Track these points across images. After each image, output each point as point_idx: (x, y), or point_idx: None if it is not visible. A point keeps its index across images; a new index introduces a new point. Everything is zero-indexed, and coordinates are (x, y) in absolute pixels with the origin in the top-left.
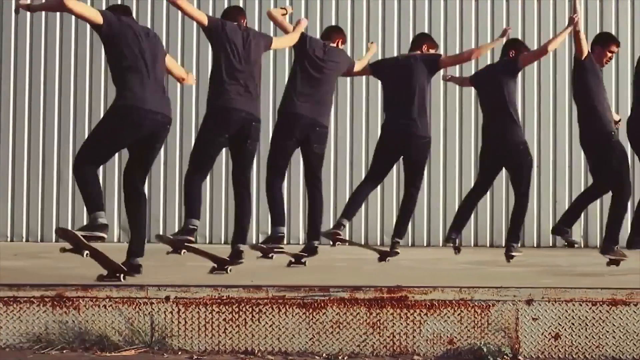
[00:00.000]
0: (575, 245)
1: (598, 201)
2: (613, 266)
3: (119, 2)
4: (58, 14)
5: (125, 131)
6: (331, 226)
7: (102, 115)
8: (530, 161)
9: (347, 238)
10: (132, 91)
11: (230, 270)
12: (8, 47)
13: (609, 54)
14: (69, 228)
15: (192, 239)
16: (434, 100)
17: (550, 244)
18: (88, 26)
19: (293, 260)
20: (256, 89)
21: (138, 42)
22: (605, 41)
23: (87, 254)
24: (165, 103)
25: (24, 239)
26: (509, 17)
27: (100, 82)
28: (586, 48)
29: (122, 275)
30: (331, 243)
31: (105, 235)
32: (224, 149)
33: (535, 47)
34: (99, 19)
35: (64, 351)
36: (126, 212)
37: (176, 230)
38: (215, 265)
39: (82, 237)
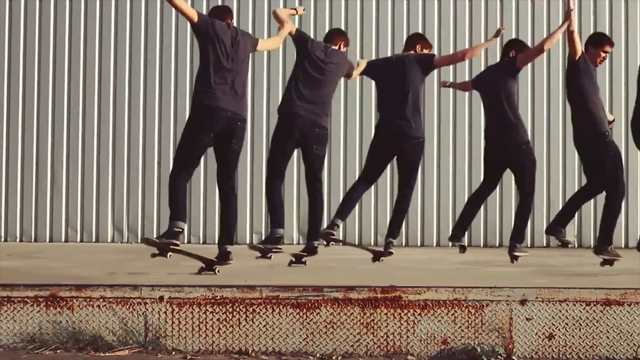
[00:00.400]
0: (569, 246)
1: (592, 201)
2: (607, 266)
3: None
4: (52, 19)
5: (200, 129)
6: (326, 226)
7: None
8: (534, 161)
9: (341, 238)
10: (207, 90)
11: (218, 271)
12: (2, 48)
13: (603, 54)
14: (150, 237)
15: (178, 242)
16: (428, 100)
17: (544, 244)
18: (82, 28)
19: (294, 259)
20: (243, 89)
21: (222, 45)
22: (598, 41)
23: (170, 255)
24: (237, 103)
25: (17, 239)
26: (503, 17)
27: (94, 83)
28: (580, 48)
29: (216, 269)
30: (325, 243)
31: (178, 242)
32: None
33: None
34: (194, 17)
35: (58, 351)
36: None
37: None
38: (204, 266)
39: (161, 244)
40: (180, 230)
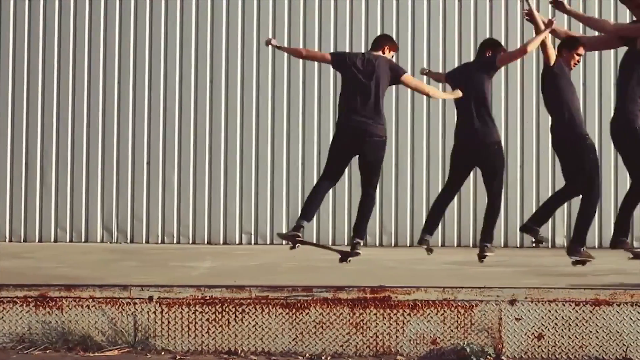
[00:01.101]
0: (544, 244)
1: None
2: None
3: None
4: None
5: (334, 144)
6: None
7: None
8: (503, 161)
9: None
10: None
11: (349, 261)
12: None
13: (577, 57)
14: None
15: (299, 234)
16: (416, 101)
17: (533, 244)
18: (71, 28)
19: (340, 257)
20: (374, 108)
21: (353, 70)
22: (572, 45)
23: (297, 246)
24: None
25: (7, 239)
26: (492, 18)
27: (84, 83)
28: (553, 53)
29: (347, 259)
30: (291, 245)
31: (299, 234)
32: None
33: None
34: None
35: (47, 351)
36: None
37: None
38: (340, 256)
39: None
40: (302, 226)
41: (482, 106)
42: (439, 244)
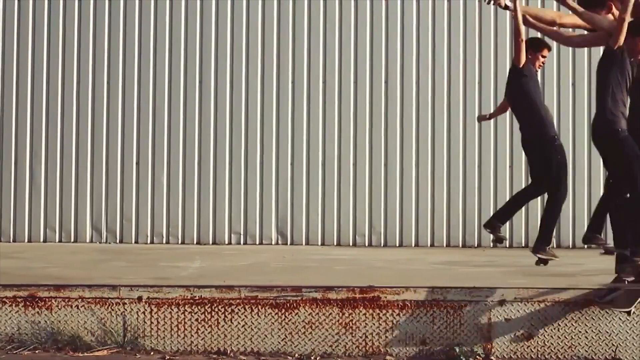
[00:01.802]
0: (503, 243)
1: (570, 202)
2: (585, 267)
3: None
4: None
5: None
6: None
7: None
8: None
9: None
10: None
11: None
12: None
13: (542, 59)
14: None
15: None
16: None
17: (523, 245)
18: (60, 27)
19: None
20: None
21: None
22: (537, 46)
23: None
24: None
25: None
26: (481, 17)
27: (73, 83)
28: (524, 56)
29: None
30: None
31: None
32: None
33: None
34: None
35: (37, 351)
36: None
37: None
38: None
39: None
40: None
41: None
42: (428, 245)
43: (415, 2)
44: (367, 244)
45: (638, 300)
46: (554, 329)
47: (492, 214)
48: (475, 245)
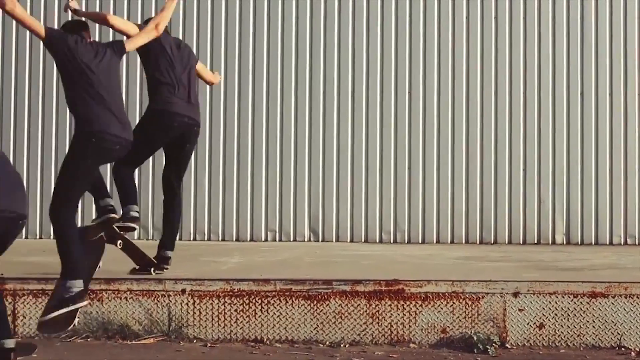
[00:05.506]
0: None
1: (579, 197)
2: (592, 262)
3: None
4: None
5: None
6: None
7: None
8: None
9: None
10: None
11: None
12: None
13: None
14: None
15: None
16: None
17: (535, 241)
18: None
19: None
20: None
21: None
22: None
23: (120, 243)
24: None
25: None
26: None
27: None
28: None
29: (152, 269)
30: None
31: (135, 226)
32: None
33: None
34: (135, 31)
35: (89, 339)
36: (163, 208)
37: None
38: (137, 267)
39: (117, 230)
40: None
41: None
42: (449, 241)
43: (436, 8)
44: (392, 241)
45: None
46: (564, 318)
47: (507, 212)
48: (492, 242)
